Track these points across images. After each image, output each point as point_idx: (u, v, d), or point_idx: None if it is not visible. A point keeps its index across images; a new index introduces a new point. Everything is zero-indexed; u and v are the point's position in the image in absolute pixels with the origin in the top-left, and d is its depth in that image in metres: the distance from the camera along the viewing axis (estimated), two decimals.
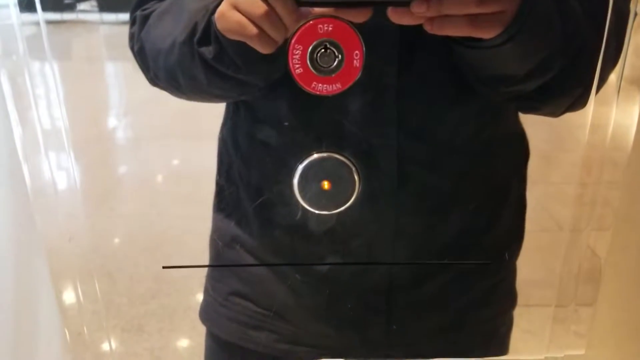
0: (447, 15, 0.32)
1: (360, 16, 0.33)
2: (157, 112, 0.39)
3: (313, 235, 0.41)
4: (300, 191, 0.39)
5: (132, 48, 0.37)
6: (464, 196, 0.41)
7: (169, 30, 0.36)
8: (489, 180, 0.42)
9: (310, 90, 0.36)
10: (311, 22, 0.33)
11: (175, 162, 0.40)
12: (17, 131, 0.39)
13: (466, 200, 0.41)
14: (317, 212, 0.39)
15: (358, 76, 0.35)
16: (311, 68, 0.35)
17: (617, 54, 0.37)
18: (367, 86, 0.37)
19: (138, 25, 0.37)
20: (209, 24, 0.35)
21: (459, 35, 0.33)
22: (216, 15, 0.34)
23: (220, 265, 0.43)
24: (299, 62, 0.35)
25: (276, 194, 0.40)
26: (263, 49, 0.33)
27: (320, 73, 0.35)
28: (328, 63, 0.35)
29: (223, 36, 0.34)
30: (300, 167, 0.39)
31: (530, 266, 0.45)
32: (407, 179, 0.39)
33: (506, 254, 0.43)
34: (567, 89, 0.37)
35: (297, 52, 0.35)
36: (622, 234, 0.44)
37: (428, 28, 0.32)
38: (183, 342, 0.48)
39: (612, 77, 0.38)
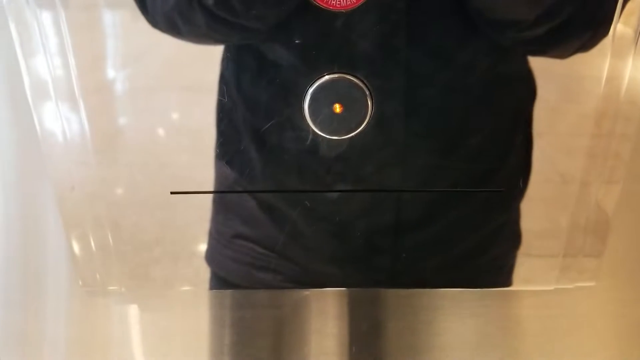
0: None
1: None
2: (157, 62, 0.38)
3: (323, 161, 0.40)
4: (311, 115, 0.37)
5: None
6: (470, 127, 0.40)
7: None
8: (497, 112, 0.41)
9: (324, 5, 0.34)
10: None
11: (176, 115, 0.39)
12: (26, 78, 0.38)
13: (474, 131, 0.41)
14: (328, 137, 0.38)
15: None
16: None
17: None
18: (379, 7, 0.35)
19: None
20: None
21: None
22: None
23: (231, 191, 0.42)
24: None
25: (286, 118, 0.38)
26: None
27: None
28: None
29: None
30: (311, 90, 0.37)
31: (535, 217, 0.44)
32: (417, 105, 0.38)
33: (520, 181, 0.42)
34: (577, 32, 0.36)
35: None
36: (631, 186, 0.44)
37: None
38: (187, 287, 0.48)
39: (629, 30, 0.37)
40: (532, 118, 0.40)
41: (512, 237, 0.45)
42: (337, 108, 0.37)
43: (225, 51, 0.37)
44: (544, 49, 0.38)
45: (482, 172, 0.42)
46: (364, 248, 0.44)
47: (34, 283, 0.48)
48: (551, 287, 0.46)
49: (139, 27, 0.36)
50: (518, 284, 0.46)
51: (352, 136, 0.38)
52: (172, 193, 0.40)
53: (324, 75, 0.37)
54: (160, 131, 0.40)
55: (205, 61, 0.38)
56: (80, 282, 0.46)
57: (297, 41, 0.36)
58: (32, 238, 0.46)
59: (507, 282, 0.47)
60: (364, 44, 0.36)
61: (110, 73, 0.38)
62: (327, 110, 0.37)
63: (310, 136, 0.39)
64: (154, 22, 0.36)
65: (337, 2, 0.34)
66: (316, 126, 0.38)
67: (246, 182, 0.42)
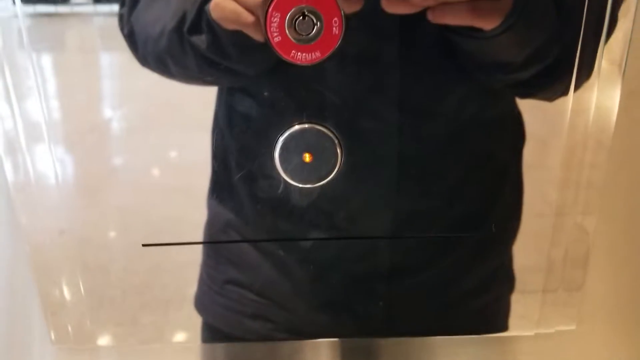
0: (446, 3, 0.32)
1: (353, 5, 0.33)
2: (152, 102, 0.39)
3: (295, 209, 0.40)
4: (282, 163, 0.38)
5: (121, 29, 0.36)
6: (456, 173, 0.41)
7: (158, 15, 0.36)
8: (486, 159, 0.41)
9: (289, 59, 0.35)
10: None
11: (173, 153, 0.40)
12: (19, 121, 0.39)
13: (459, 178, 0.41)
14: (299, 185, 0.39)
15: (338, 44, 0.35)
16: (289, 36, 0.34)
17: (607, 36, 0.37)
18: (364, 61, 0.36)
19: (127, 7, 0.36)
20: (199, 12, 0.35)
21: (460, 24, 0.33)
22: (211, 5, 0.34)
23: (201, 242, 0.42)
24: (277, 30, 0.34)
25: (257, 167, 0.39)
26: (259, 36, 0.34)
27: (299, 41, 0.34)
28: (307, 31, 0.34)
29: (218, 25, 0.34)
30: (281, 139, 0.38)
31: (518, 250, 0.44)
32: (387, 152, 0.39)
33: (509, 223, 0.42)
34: (563, 74, 0.37)
35: (275, 19, 0.34)
36: (607, 213, 0.44)
37: (430, 17, 0.33)
38: (179, 335, 0.47)
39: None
40: (521, 163, 0.41)
41: (505, 281, 0.45)
42: (307, 157, 0.38)
43: (218, 92, 0.38)
44: (532, 92, 0.38)
45: (462, 217, 0.42)
46: (350, 295, 0.44)
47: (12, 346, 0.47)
48: (531, 333, 0.45)
49: (130, 69, 0.37)
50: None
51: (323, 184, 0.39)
52: (143, 245, 0.40)
53: (294, 125, 0.38)
54: (151, 173, 0.40)
55: (197, 103, 0.39)
56: (60, 337, 0.45)
57: (265, 94, 0.37)
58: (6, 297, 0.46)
59: (502, 327, 0.46)
60: (331, 94, 0.37)
61: (102, 115, 0.39)
62: (297, 159, 0.38)
63: (283, 185, 0.39)
64: (144, 61, 0.37)
65: (304, 57, 0.35)
66: (287, 175, 0.38)
67: (239, 223, 0.42)
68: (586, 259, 0.43)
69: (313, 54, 0.35)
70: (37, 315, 0.46)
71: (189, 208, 0.42)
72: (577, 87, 0.38)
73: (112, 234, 0.42)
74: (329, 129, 0.38)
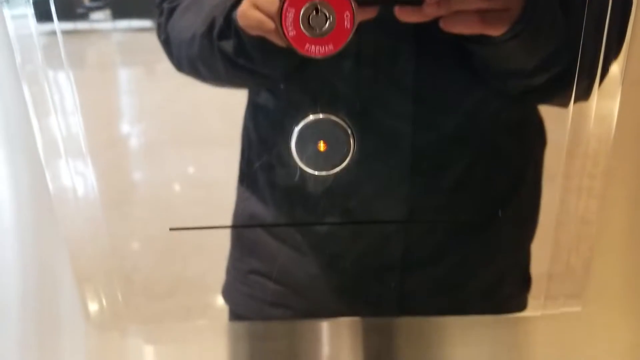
0: (458, 12, 0.35)
1: (367, 14, 0.36)
2: (171, 117, 0.41)
3: (311, 196, 0.42)
4: (298, 152, 0.40)
5: (159, 37, 0.39)
6: (465, 162, 0.43)
7: (190, 23, 0.39)
8: (495, 148, 0.43)
9: (304, 52, 0.37)
10: None
11: (191, 169, 0.42)
12: (38, 138, 0.41)
13: (467, 166, 0.43)
14: (314, 173, 0.41)
15: (350, 37, 0.37)
16: (304, 30, 0.36)
17: (618, 44, 0.39)
18: (375, 54, 0.38)
19: (165, 17, 0.39)
20: (227, 19, 0.38)
21: (470, 32, 0.36)
22: (238, 14, 0.37)
23: (228, 226, 0.44)
24: (292, 24, 0.36)
25: (275, 156, 0.41)
26: (280, 42, 0.37)
27: (313, 35, 0.36)
28: (320, 25, 0.36)
29: (244, 32, 0.37)
30: (297, 129, 0.40)
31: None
32: (396, 141, 0.41)
33: (528, 212, 0.44)
34: (574, 81, 0.39)
35: (290, 15, 0.36)
36: (613, 196, 0.45)
37: (442, 25, 0.36)
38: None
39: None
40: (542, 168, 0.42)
41: (521, 280, 0.47)
42: (322, 146, 0.40)
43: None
44: (545, 98, 0.40)
45: (470, 203, 0.44)
46: (369, 279, 0.46)
47: (50, 323, 0.50)
48: (538, 314, 0.47)
49: (146, 84, 0.40)
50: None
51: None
52: (170, 229, 0.43)
53: (309, 116, 0.40)
54: (170, 186, 0.43)
55: (214, 115, 0.41)
56: (95, 317, 0.48)
57: (282, 86, 0.39)
58: (47, 279, 0.48)
59: (519, 307, 0.47)
60: (343, 86, 0.39)
61: (119, 130, 0.41)
62: (312, 147, 0.40)
63: (299, 173, 0.41)
64: (179, 66, 0.39)
65: (317, 50, 0.37)
66: (303, 163, 0.40)
67: (263, 213, 0.44)
68: (592, 241, 0.45)
69: (326, 47, 0.37)
70: (69, 297, 0.49)
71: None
72: (582, 95, 0.40)
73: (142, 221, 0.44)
74: (342, 119, 0.40)
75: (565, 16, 0.37)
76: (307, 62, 0.38)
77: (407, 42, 0.38)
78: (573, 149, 0.42)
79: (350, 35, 0.36)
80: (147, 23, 0.39)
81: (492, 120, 0.41)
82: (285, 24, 0.36)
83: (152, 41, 0.39)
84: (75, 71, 0.39)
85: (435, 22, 0.37)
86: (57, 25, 0.38)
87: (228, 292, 0.48)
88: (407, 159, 0.41)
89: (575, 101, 0.40)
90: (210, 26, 0.38)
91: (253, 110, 0.41)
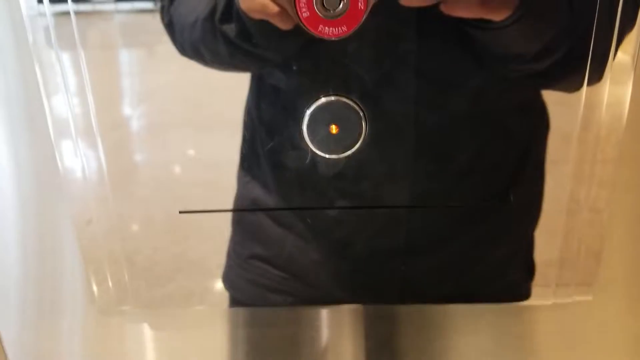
0: None
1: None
2: (173, 99, 0.41)
3: (321, 179, 0.42)
4: (309, 134, 0.40)
5: (162, 19, 0.39)
6: (459, 146, 0.42)
7: (193, 6, 0.39)
8: (506, 133, 0.43)
9: (317, 33, 0.37)
10: None
11: (192, 151, 0.42)
12: (49, 118, 0.41)
13: (463, 151, 0.42)
14: (325, 155, 0.41)
15: (363, 19, 0.37)
16: (318, 12, 0.36)
17: (631, 25, 0.38)
18: (388, 36, 0.38)
19: (167, 0, 0.39)
20: (229, 3, 0.37)
21: (471, 16, 0.36)
22: None
23: (233, 209, 0.44)
24: (306, 6, 0.36)
25: (286, 138, 0.41)
26: (283, 25, 0.37)
27: (327, 17, 0.36)
28: (333, 6, 0.36)
29: (246, 15, 0.37)
30: (309, 111, 0.40)
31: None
32: (408, 124, 0.41)
33: (530, 195, 0.44)
34: (579, 67, 0.39)
35: None
36: (625, 184, 0.45)
37: (443, 9, 0.36)
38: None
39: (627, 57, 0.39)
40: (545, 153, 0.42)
41: (524, 268, 0.46)
42: (334, 129, 0.40)
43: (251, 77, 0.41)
44: (549, 83, 0.40)
45: (482, 187, 0.44)
46: (375, 265, 0.46)
47: (49, 302, 0.50)
48: (549, 302, 0.47)
49: (153, 66, 0.40)
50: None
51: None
52: (180, 212, 0.43)
53: (321, 98, 0.40)
54: (176, 167, 0.43)
55: (221, 97, 0.41)
56: (95, 303, 0.48)
57: (294, 68, 0.39)
58: (48, 259, 0.49)
59: (523, 295, 0.47)
60: (355, 68, 0.39)
61: (127, 110, 0.41)
62: (324, 130, 0.40)
63: (310, 156, 0.41)
64: (182, 50, 0.39)
65: (331, 31, 0.37)
66: (314, 145, 0.40)
67: (267, 198, 0.44)
68: (603, 229, 0.45)
69: (340, 28, 0.37)
70: (70, 279, 0.49)
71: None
72: (590, 81, 0.39)
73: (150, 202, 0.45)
74: (354, 101, 0.40)
75: (573, 2, 0.37)
76: (315, 45, 0.38)
77: (419, 25, 0.38)
78: (584, 136, 0.41)
79: (364, 17, 0.36)
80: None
81: (503, 105, 0.41)
82: (299, 5, 0.36)
83: (156, 23, 0.39)
84: (87, 51, 0.39)
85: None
86: (70, 5, 0.38)
87: (228, 277, 0.48)
88: (419, 141, 0.41)
89: (588, 85, 0.40)
90: (213, 10, 0.38)
91: (260, 93, 0.40)
